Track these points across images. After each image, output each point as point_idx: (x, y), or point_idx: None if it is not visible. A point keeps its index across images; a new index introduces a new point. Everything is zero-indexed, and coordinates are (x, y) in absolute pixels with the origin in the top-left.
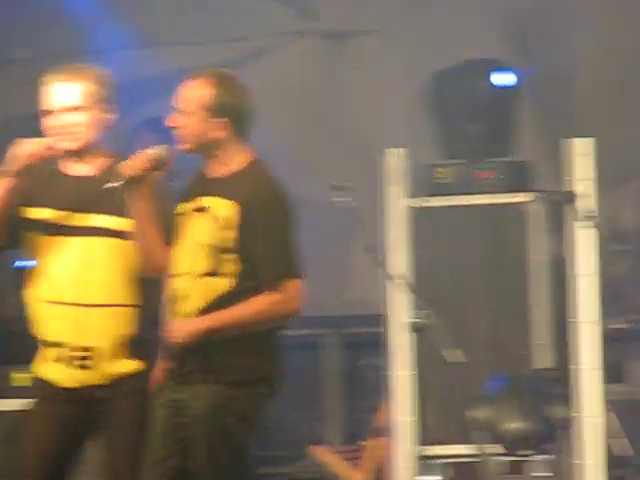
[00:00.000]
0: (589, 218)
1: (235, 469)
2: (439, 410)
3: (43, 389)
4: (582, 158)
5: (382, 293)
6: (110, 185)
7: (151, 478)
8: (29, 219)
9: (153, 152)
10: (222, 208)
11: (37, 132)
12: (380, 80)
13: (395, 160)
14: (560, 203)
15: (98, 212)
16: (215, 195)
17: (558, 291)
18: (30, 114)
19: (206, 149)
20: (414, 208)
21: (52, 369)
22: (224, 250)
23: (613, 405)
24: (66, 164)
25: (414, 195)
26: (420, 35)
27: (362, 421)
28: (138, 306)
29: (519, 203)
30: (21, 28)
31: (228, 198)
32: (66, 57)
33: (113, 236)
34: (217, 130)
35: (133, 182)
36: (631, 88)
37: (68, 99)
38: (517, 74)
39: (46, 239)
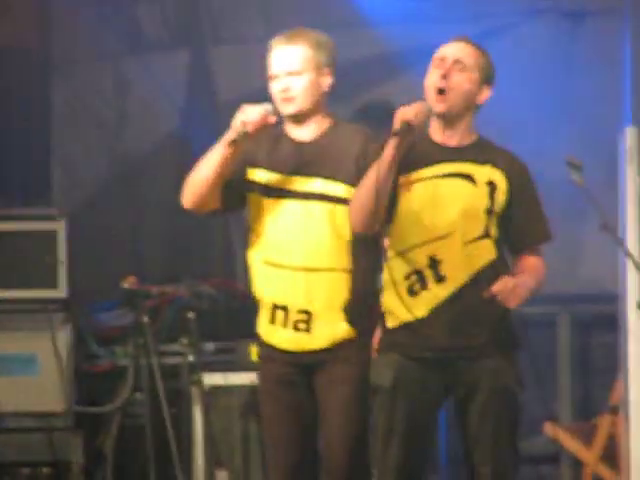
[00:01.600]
0: None
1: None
2: None
3: (270, 354)
4: None
5: (616, 271)
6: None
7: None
8: (251, 180)
9: (426, 105)
10: (487, 175)
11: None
12: (615, 59)
13: (631, 139)
14: None
15: (317, 176)
16: (469, 162)
17: None
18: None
19: (460, 115)
20: None
21: (277, 333)
22: (494, 214)
23: None
24: (289, 128)
25: None
26: None
27: (595, 399)
28: (353, 272)
29: None
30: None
31: (489, 165)
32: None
33: (331, 201)
34: (482, 96)
35: (407, 130)
36: None
37: (288, 63)
38: None
39: (266, 201)
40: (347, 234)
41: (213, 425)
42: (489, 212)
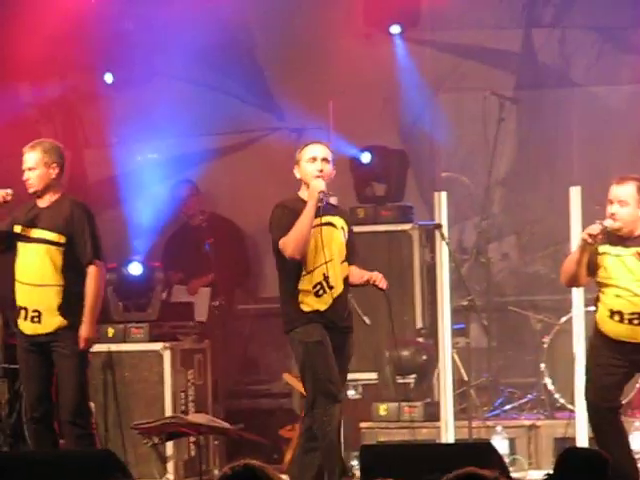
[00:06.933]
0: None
1: None
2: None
3: (20, 336)
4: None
5: None
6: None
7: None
8: (15, 233)
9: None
10: (340, 222)
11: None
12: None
13: None
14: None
15: (44, 228)
16: (330, 215)
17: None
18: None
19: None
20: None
21: (22, 324)
22: (346, 245)
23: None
24: (36, 200)
25: None
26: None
27: None
28: (64, 286)
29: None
30: None
31: (338, 216)
32: None
33: (49, 244)
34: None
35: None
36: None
37: (28, 162)
38: None
39: (20, 244)
40: (60, 264)
41: None
42: (346, 244)
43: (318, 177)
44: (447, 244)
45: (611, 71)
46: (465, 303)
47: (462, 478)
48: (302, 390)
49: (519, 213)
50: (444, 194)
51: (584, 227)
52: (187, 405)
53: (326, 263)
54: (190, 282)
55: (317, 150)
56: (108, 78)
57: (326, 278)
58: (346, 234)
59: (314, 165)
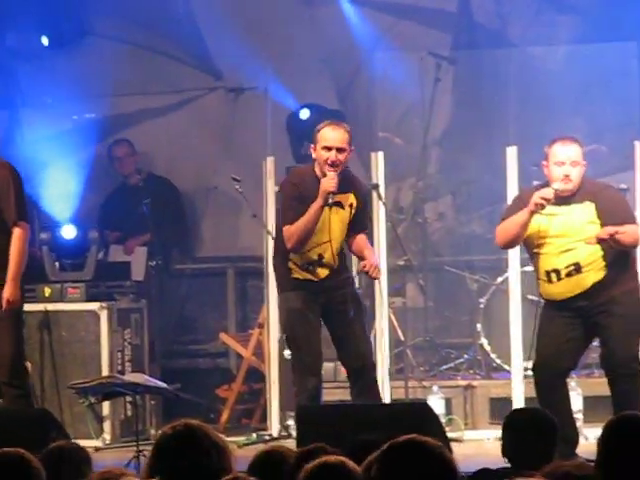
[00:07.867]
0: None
1: None
2: None
3: None
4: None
5: (261, 242)
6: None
7: None
8: None
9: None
10: (349, 199)
11: None
12: (260, 120)
13: (270, 164)
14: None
15: None
16: (339, 193)
17: None
18: None
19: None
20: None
21: None
22: (350, 222)
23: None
24: None
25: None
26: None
27: (249, 318)
28: None
29: None
30: None
31: (351, 192)
32: None
33: None
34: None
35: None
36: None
37: None
38: None
39: None
40: None
41: None
42: (349, 222)
43: (330, 169)
44: (384, 204)
45: (548, 31)
46: (401, 263)
47: (408, 447)
48: (239, 350)
49: (455, 173)
50: (381, 154)
51: (520, 187)
52: (124, 365)
53: (325, 243)
54: (127, 241)
55: (332, 139)
56: (44, 40)
57: (321, 258)
58: (354, 209)
59: (328, 154)
